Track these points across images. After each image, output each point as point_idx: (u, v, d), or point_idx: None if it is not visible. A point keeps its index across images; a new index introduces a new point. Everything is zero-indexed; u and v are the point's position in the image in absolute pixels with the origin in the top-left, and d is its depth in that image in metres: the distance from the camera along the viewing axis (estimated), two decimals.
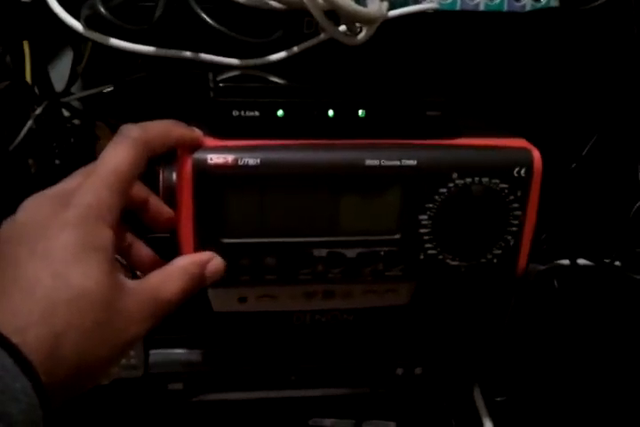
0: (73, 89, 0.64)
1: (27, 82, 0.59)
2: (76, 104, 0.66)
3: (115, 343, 0.37)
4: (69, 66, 0.63)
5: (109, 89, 0.63)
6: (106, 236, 0.38)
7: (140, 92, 0.64)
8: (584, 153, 0.60)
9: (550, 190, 0.51)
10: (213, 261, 0.45)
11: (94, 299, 0.36)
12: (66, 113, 0.65)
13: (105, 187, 0.39)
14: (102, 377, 0.38)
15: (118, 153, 0.40)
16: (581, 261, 0.58)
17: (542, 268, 0.59)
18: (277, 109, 0.46)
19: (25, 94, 0.59)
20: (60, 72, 0.64)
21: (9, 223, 0.38)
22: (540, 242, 0.59)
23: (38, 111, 0.60)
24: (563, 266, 0.59)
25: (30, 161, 0.63)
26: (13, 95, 0.58)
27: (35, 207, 0.39)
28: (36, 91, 0.60)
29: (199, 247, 0.46)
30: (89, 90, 0.63)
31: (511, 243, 0.49)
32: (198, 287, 0.43)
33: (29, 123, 0.59)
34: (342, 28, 0.51)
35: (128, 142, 0.41)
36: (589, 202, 0.61)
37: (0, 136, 0.57)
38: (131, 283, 0.39)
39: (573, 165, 0.60)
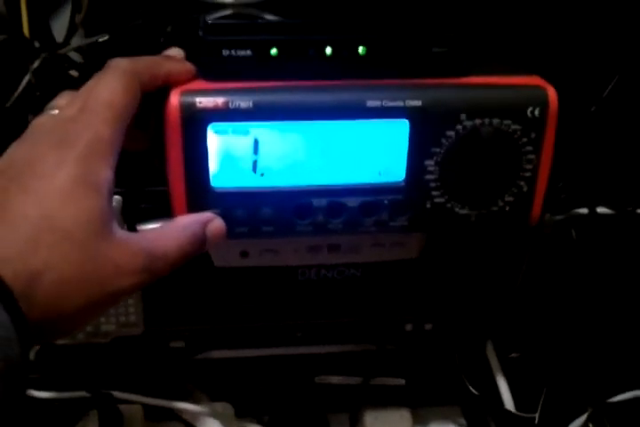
0: (74, 41, 0.61)
1: (24, 35, 0.56)
2: (76, 57, 0.64)
3: (94, 292, 0.35)
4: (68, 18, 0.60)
5: (105, 38, 0.60)
6: (104, 177, 0.36)
7: (138, 39, 0.61)
8: (604, 95, 0.56)
9: (568, 135, 0.47)
10: (214, 223, 0.42)
11: (79, 244, 0.34)
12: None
13: (103, 123, 0.37)
14: (81, 326, 0.37)
15: (109, 84, 0.38)
16: (601, 210, 0.55)
17: (559, 217, 0.56)
18: (271, 48, 0.43)
19: (23, 48, 0.57)
20: (59, 26, 0.62)
21: (4, 157, 0.37)
22: (558, 190, 0.56)
23: (36, 65, 0.57)
24: (581, 215, 0.56)
25: (30, 117, 0.61)
26: (10, 49, 0.55)
27: (31, 143, 0.37)
28: (35, 45, 0.57)
29: (191, 196, 0.43)
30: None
31: (524, 189, 0.46)
32: (198, 249, 0.40)
33: (27, 77, 0.56)
34: None
35: (117, 73, 0.39)
36: (609, 147, 0.58)
37: None
38: (123, 233, 0.37)
39: (593, 108, 0.56)
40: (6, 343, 0.30)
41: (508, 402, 0.59)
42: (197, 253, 0.40)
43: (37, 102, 0.59)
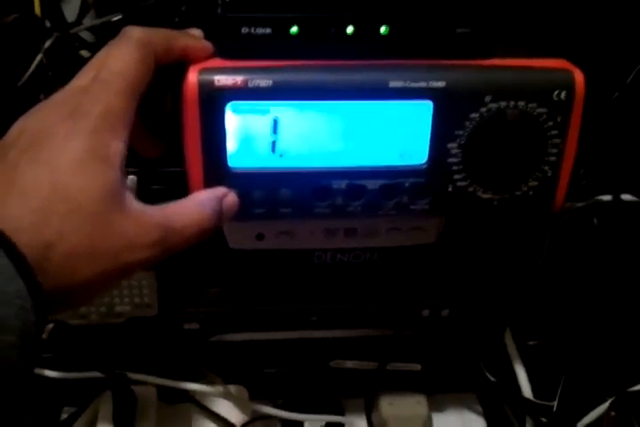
0: (86, 21, 0.60)
1: (36, 14, 0.55)
2: (88, 37, 0.63)
3: (106, 265, 0.34)
4: None
5: (118, 17, 0.59)
6: (115, 150, 0.36)
7: (151, 19, 0.61)
8: (628, 81, 0.55)
9: (590, 121, 0.46)
10: (228, 197, 0.42)
11: (89, 216, 0.34)
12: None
13: (114, 94, 0.36)
14: (92, 298, 0.36)
15: (122, 54, 0.38)
16: (625, 197, 0.54)
17: (581, 204, 0.55)
18: (291, 26, 0.42)
19: (34, 28, 0.56)
20: (71, 4, 0.61)
21: (16, 128, 0.36)
22: (580, 177, 0.54)
23: (47, 44, 0.57)
24: (603, 202, 0.55)
25: (42, 96, 0.60)
26: (22, 29, 0.55)
27: (43, 114, 0.36)
28: (47, 24, 0.57)
29: (208, 177, 0.43)
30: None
31: (548, 174, 0.45)
32: (215, 224, 0.40)
33: (39, 57, 0.56)
34: None
35: (131, 43, 0.38)
36: (633, 133, 0.56)
37: (8, 72, 0.54)
38: (138, 206, 0.36)
39: (616, 94, 0.55)
40: (24, 313, 0.30)
41: (526, 389, 0.58)
42: (214, 229, 0.40)
43: (49, 82, 0.58)
